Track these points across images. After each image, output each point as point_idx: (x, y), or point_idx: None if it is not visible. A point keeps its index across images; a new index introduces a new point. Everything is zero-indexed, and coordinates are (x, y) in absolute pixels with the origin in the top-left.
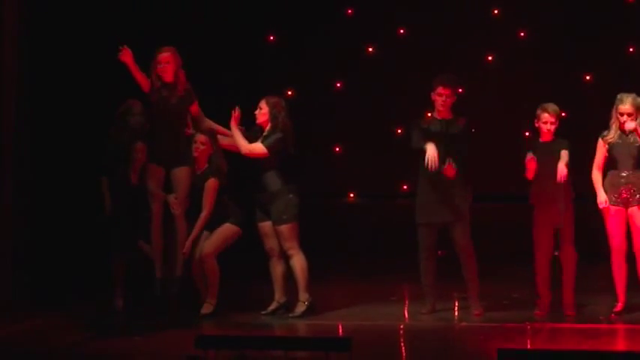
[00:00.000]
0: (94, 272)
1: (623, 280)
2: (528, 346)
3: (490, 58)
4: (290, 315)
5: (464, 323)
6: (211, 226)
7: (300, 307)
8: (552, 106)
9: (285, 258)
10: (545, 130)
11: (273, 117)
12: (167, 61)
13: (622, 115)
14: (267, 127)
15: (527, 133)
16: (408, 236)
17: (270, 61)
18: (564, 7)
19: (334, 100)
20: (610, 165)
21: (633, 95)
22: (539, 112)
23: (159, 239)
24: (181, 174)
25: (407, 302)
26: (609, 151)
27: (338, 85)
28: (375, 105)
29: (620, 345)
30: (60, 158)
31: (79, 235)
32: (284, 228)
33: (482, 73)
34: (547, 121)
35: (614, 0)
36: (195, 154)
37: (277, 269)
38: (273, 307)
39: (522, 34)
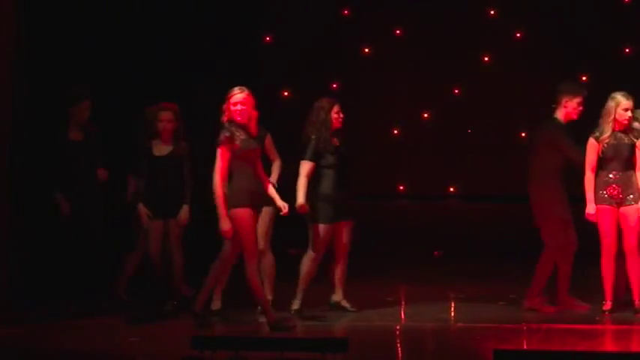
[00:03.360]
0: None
1: (612, 279)
2: (524, 347)
3: (487, 58)
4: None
5: (460, 324)
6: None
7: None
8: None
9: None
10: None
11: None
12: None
13: (627, 110)
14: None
15: (523, 134)
16: (403, 236)
17: (267, 62)
18: (560, 7)
19: None
20: (600, 165)
21: (626, 93)
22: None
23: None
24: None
25: (403, 303)
26: (603, 151)
27: (334, 85)
28: (372, 105)
29: (616, 345)
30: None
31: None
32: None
33: (479, 74)
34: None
35: (609, 1)
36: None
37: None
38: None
39: (519, 34)
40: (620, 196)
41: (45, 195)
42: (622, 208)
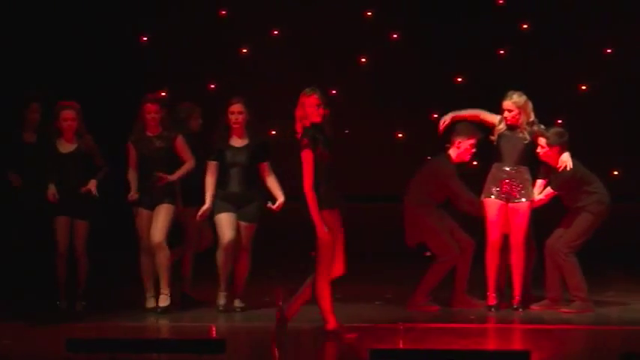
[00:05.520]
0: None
1: (495, 275)
2: (400, 346)
3: (363, 59)
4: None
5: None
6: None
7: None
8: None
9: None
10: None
11: None
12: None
13: (504, 110)
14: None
15: (399, 135)
16: (283, 237)
17: (143, 62)
18: (436, 8)
19: (207, 101)
20: (495, 157)
21: (519, 92)
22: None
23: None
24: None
25: (280, 303)
26: (497, 142)
27: (212, 86)
28: (250, 106)
29: (491, 344)
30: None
31: None
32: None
33: (356, 75)
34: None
35: (485, 2)
36: (154, 123)
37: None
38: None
39: (395, 35)
40: (512, 192)
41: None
42: (511, 204)
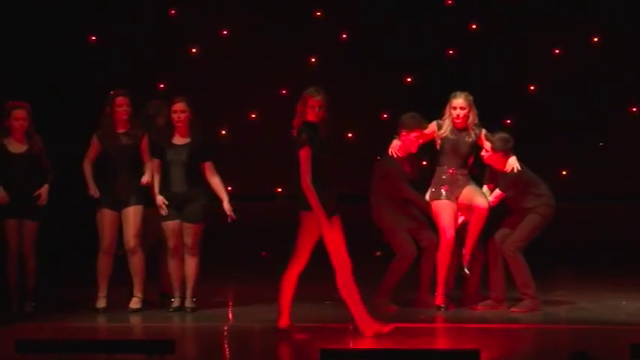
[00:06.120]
0: None
1: (446, 274)
2: (350, 346)
3: (313, 59)
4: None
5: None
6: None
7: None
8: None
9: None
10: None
11: None
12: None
13: (455, 108)
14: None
15: (349, 134)
16: (231, 237)
17: (93, 61)
18: (386, 8)
19: None
20: (438, 160)
21: (466, 92)
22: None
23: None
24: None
25: (231, 304)
26: (440, 146)
27: (161, 85)
28: (199, 105)
29: (440, 344)
30: None
31: None
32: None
33: (305, 75)
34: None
35: (434, 2)
36: (125, 117)
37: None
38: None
39: (344, 35)
40: (452, 194)
41: None
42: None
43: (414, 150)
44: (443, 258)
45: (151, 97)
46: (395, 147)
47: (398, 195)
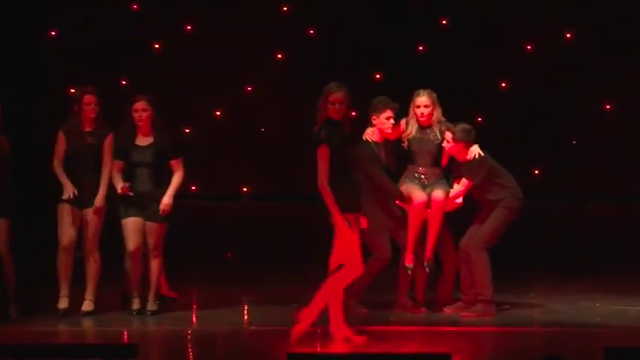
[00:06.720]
0: None
1: (415, 232)
2: (318, 350)
3: (280, 55)
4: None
5: (253, 327)
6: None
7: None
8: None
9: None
10: None
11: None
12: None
13: (419, 107)
14: None
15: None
16: (196, 237)
17: (52, 57)
18: (353, 4)
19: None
20: (408, 160)
21: (429, 90)
22: None
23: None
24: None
25: (195, 306)
26: (408, 146)
27: (123, 82)
28: (163, 103)
29: (411, 347)
30: None
31: None
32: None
33: (272, 71)
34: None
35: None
36: (93, 115)
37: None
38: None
39: (312, 31)
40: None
41: None
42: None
43: (389, 134)
44: (413, 219)
45: (113, 93)
46: (369, 133)
47: (373, 184)
